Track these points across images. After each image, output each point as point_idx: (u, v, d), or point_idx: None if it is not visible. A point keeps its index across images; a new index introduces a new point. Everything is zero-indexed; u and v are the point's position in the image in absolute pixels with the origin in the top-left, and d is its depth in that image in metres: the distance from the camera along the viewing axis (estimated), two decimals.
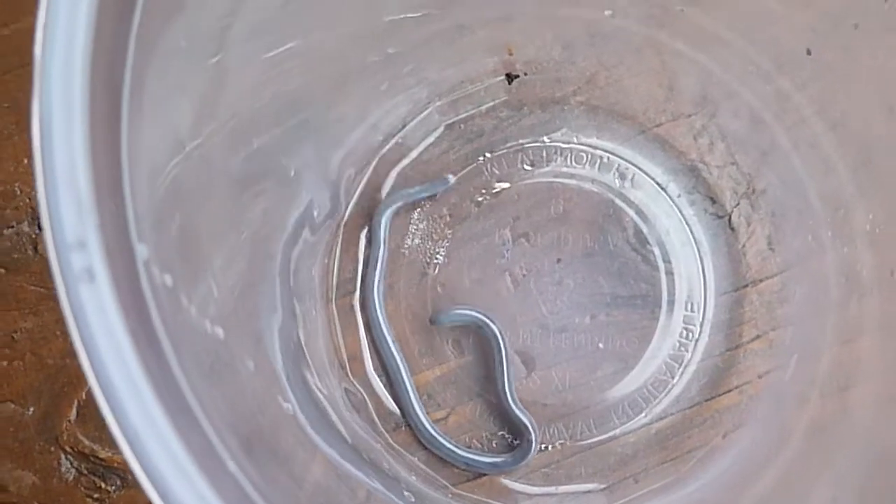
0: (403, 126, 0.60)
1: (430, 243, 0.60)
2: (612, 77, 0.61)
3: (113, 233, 0.27)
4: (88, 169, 0.26)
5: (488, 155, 0.60)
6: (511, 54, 0.59)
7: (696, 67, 0.59)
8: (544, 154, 0.61)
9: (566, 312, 0.59)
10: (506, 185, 0.60)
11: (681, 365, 0.59)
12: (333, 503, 0.47)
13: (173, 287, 0.30)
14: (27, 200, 0.59)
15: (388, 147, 0.60)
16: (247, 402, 0.39)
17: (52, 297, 0.58)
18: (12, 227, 0.59)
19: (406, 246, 0.60)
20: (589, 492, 0.58)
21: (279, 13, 0.45)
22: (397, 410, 0.58)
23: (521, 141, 0.61)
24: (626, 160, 0.60)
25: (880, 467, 0.49)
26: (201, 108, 0.40)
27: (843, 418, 0.54)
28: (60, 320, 0.57)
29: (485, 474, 0.58)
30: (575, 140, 0.61)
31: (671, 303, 0.59)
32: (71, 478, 0.58)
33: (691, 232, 0.60)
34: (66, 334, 0.58)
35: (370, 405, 0.58)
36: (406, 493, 0.52)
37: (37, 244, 0.59)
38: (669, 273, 0.60)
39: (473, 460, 0.57)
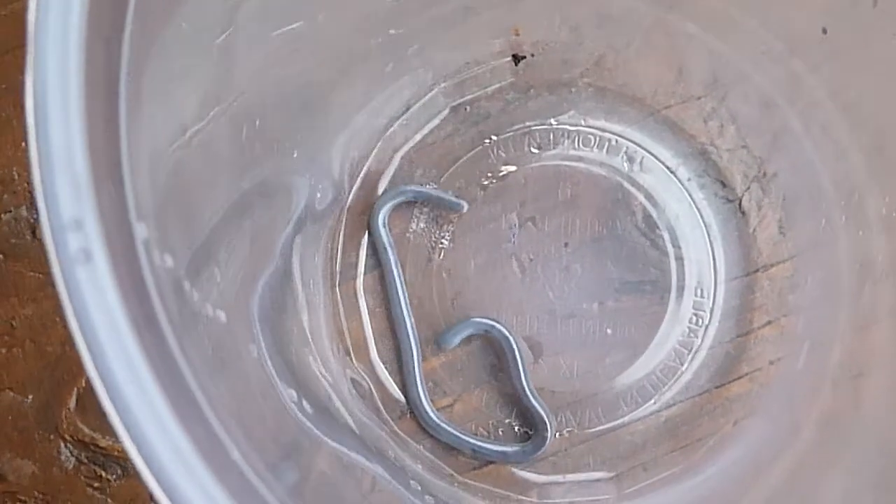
0: (408, 109, 0.59)
1: (434, 228, 0.59)
2: (620, 59, 0.60)
3: (111, 213, 0.26)
4: (85, 146, 0.25)
5: (494, 138, 0.59)
6: (517, 35, 0.58)
7: (707, 49, 0.58)
8: (551, 137, 0.60)
9: (574, 298, 0.58)
10: (512, 168, 0.59)
11: (690, 351, 0.58)
12: (338, 493, 0.46)
13: (174, 269, 0.30)
14: (25, 185, 0.58)
15: (392, 130, 0.59)
16: (250, 388, 0.38)
17: (52, 284, 0.57)
18: (10, 212, 0.58)
19: (411, 230, 0.59)
20: (597, 480, 0.57)
21: None
22: (402, 398, 0.58)
23: (527, 123, 0.60)
24: (634, 143, 0.59)
25: (894, 457, 0.48)
26: (204, 90, 0.39)
27: (857, 407, 0.53)
28: (60, 307, 0.57)
29: (492, 462, 0.57)
30: (583, 123, 0.60)
31: (681, 288, 0.58)
32: (71, 467, 0.57)
33: (701, 216, 0.59)
34: (66, 321, 0.57)
35: (375, 392, 0.57)
36: (412, 482, 0.52)
37: (35, 229, 0.58)
38: (679, 258, 0.59)
39: (481, 447, 0.57)
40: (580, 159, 0.59)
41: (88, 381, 0.56)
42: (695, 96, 0.60)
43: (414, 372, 0.57)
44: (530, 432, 0.58)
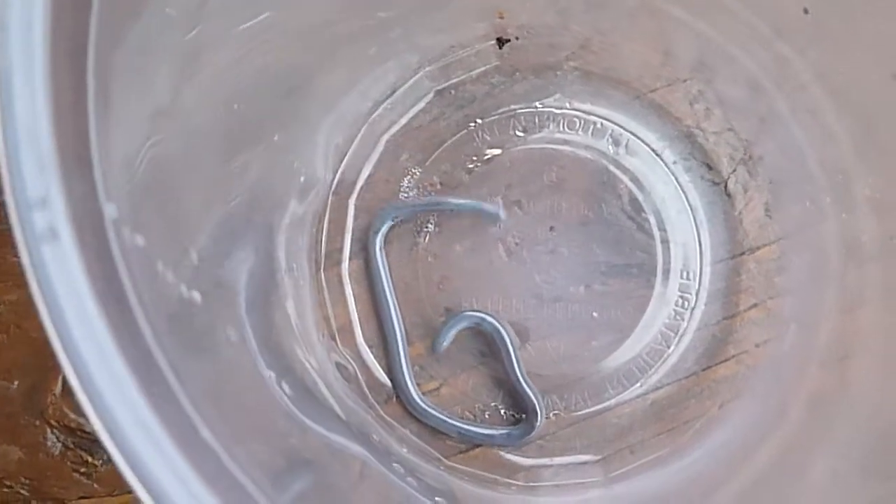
0: (393, 92, 0.59)
1: (420, 212, 0.59)
2: (606, 42, 0.59)
3: (79, 192, 0.26)
4: (50, 124, 0.25)
5: (480, 121, 0.59)
6: (502, 18, 0.58)
7: (693, 32, 0.58)
8: (537, 120, 0.59)
9: (560, 282, 0.58)
10: (498, 151, 0.59)
11: (677, 334, 0.58)
12: (327, 480, 0.46)
13: (146, 250, 0.29)
14: None
15: (377, 113, 0.59)
16: (228, 371, 0.38)
17: None
18: None
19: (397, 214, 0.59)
20: (584, 463, 0.57)
21: None
22: (388, 382, 0.58)
23: (513, 107, 0.59)
24: (620, 126, 0.59)
25: (881, 438, 0.48)
26: (178, 72, 0.39)
27: (843, 388, 0.53)
28: None
29: (479, 445, 0.57)
30: (568, 106, 0.59)
31: (667, 271, 0.58)
32: (57, 452, 0.57)
33: (687, 199, 0.59)
34: None
35: (361, 377, 0.57)
36: (395, 465, 0.52)
37: None
38: (665, 241, 0.59)
39: (467, 430, 0.57)
40: (566, 142, 0.59)
41: None
42: (681, 79, 0.60)
43: (400, 359, 0.57)
44: (517, 416, 0.58)
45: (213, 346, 0.37)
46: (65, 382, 0.57)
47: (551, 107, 0.59)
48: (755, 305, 0.58)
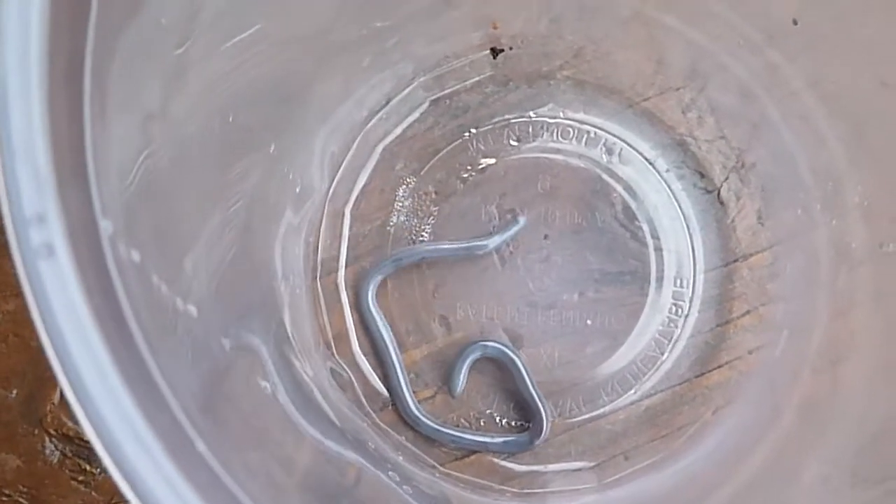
0: (388, 102, 0.60)
1: (415, 220, 0.59)
2: (599, 51, 0.60)
3: (75, 208, 0.26)
4: (47, 141, 0.26)
5: (474, 131, 0.60)
6: (496, 28, 0.59)
7: (685, 41, 0.58)
8: (531, 129, 0.60)
9: (554, 289, 0.59)
10: (492, 160, 0.60)
11: (670, 341, 0.59)
12: (323, 487, 0.46)
13: (142, 264, 0.30)
14: None
15: (372, 123, 0.59)
16: (224, 381, 0.38)
17: None
18: None
19: (392, 223, 0.59)
20: (579, 469, 0.58)
21: None
22: (384, 390, 0.58)
23: (506, 116, 0.60)
24: (613, 135, 0.60)
25: (873, 442, 0.49)
26: (174, 87, 0.39)
27: (835, 393, 0.53)
28: None
29: (474, 452, 0.57)
30: (561, 115, 0.60)
31: (660, 279, 0.59)
32: (55, 460, 0.57)
33: (680, 207, 0.59)
34: None
35: (356, 385, 0.58)
36: (390, 472, 0.52)
37: None
38: (658, 249, 0.59)
39: (460, 437, 0.57)
40: (559, 151, 0.60)
41: None
42: (673, 87, 0.60)
43: (397, 374, 0.57)
44: (512, 423, 0.58)
45: (208, 357, 0.37)
46: (63, 391, 0.57)
47: (545, 116, 0.60)
48: (748, 312, 0.58)
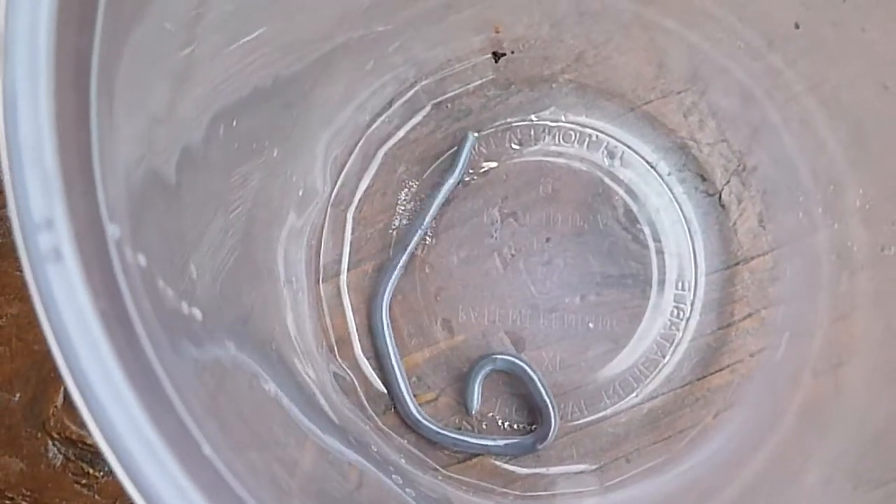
0: (390, 105, 0.60)
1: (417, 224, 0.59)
2: (600, 55, 0.60)
3: (83, 213, 0.27)
4: (55, 146, 0.26)
5: (476, 134, 0.60)
6: (498, 32, 0.59)
7: (686, 44, 0.58)
8: (532, 133, 0.60)
9: (556, 292, 0.59)
10: (494, 164, 0.60)
11: (672, 344, 0.59)
12: (326, 489, 0.46)
13: (148, 268, 0.30)
14: None
15: (374, 127, 0.60)
16: (229, 385, 0.39)
17: None
18: None
19: (394, 226, 0.59)
20: (581, 472, 0.58)
21: None
22: (386, 393, 0.58)
23: (508, 120, 0.60)
24: (615, 138, 0.60)
25: (874, 445, 0.49)
26: (179, 88, 0.39)
27: (836, 396, 0.53)
28: None
29: (476, 455, 0.58)
30: (563, 118, 0.60)
31: (662, 282, 0.59)
32: (58, 464, 0.57)
33: (681, 210, 0.60)
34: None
35: (359, 388, 0.58)
36: (394, 476, 0.52)
37: None
38: (660, 252, 0.59)
39: (462, 441, 0.57)
40: (561, 155, 0.60)
41: None
42: (674, 91, 0.60)
43: (398, 378, 0.58)
44: (514, 426, 0.58)
45: (213, 361, 0.37)
46: (66, 395, 0.57)
47: (546, 119, 0.60)
48: (749, 315, 0.59)
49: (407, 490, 0.51)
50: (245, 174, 0.50)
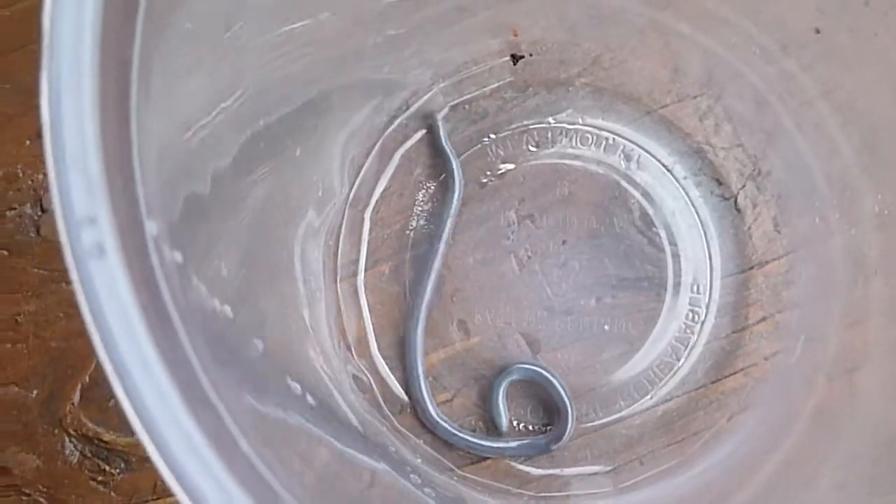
0: (407, 107, 0.60)
1: (435, 224, 0.59)
2: (616, 58, 0.60)
3: (123, 209, 0.27)
4: (98, 144, 0.26)
5: (493, 136, 0.60)
6: (516, 35, 0.59)
7: (701, 49, 0.59)
8: (549, 135, 0.60)
9: (571, 294, 0.59)
10: (511, 166, 0.60)
11: (686, 347, 0.59)
12: (339, 486, 0.47)
13: (183, 265, 0.30)
14: (30, 182, 0.59)
15: (392, 128, 0.60)
16: (256, 382, 0.39)
17: (55, 280, 0.58)
18: (15, 209, 0.58)
19: (411, 227, 0.60)
20: (594, 474, 0.58)
21: None
22: (402, 393, 0.58)
23: (525, 122, 0.60)
24: (631, 142, 0.60)
25: (889, 449, 0.49)
26: (210, 89, 0.39)
27: (851, 401, 0.54)
28: (63, 303, 0.58)
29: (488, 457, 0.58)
30: (580, 121, 0.60)
31: (677, 285, 0.59)
32: (75, 461, 0.58)
33: (697, 214, 0.60)
34: (69, 317, 0.58)
35: (375, 388, 0.58)
36: (412, 475, 0.52)
37: (39, 227, 0.58)
38: (675, 255, 0.59)
39: (476, 444, 0.57)
40: (577, 157, 0.60)
41: (92, 376, 0.57)
42: (690, 95, 0.60)
43: (418, 376, 0.58)
44: (530, 427, 0.58)
45: (244, 358, 0.37)
46: (83, 392, 0.58)
47: (563, 122, 0.60)
48: (764, 319, 0.59)
49: (425, 490, 0.51)
50: (266, 173, 0.50)
